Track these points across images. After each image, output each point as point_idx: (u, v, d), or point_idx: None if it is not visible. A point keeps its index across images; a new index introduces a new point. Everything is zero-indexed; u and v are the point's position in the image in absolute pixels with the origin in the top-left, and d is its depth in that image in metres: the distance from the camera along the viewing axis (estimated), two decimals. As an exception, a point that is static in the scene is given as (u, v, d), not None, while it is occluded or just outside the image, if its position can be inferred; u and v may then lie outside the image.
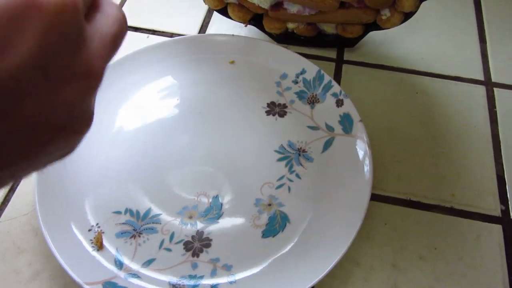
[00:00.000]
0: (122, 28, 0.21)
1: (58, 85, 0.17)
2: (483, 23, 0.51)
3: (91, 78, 0.19)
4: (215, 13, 0.48)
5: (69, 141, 0.20)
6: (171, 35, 0.50)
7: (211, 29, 0.50)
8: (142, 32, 0.50)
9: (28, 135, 0.17)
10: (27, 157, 0.18)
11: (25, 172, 0.19)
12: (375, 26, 0.43)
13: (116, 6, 0.21)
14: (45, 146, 0.18)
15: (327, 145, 0.39)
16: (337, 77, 0.46)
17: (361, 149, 0.37)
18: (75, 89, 0.18)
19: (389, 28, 0.42)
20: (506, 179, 0.39)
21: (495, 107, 0.44)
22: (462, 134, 0.42)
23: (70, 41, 0.17)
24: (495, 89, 0.46)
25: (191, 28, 0.50)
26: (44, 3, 0.16)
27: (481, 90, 0.45)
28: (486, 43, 0.49)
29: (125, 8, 0.52)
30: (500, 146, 0.41)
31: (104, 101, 0.41)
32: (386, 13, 0.40)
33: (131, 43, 0.48)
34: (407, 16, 0.40)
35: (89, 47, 0.18)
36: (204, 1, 0.46)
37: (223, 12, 0.47)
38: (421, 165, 0.40)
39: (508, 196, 0.39)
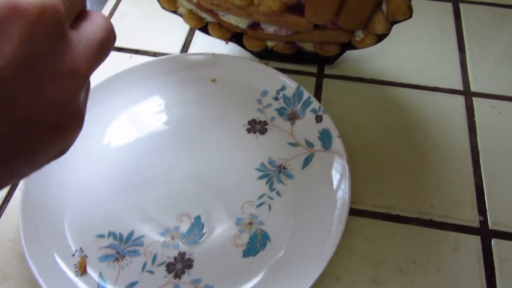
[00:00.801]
0: (109, 35, 0.22)
1: (44, 82, 0.19)
2: (462, 33, 0.52)
3: (76, 78, 0.20)
4: (197, 31, 0.48)
5: (63, 139, 0.21)
6: (154, 54, 0.50)
7: (193, 47, 0.51)
8: (125, 52, 0.51)
9: (23, 133, 0.19)
10: (24, 154, 0.20)
11: (24, 170, 0.20)
12: (351, 45, 0.43)
13: (103, 15, 0.23)
14: (40, 143, 0.20)
15: (307, 161, 0.40)
16: (318, 91, 0.47)
17: (340, 164, 0.38)
18: (62, 88, 0.20)
19: (364, 48, 0.43)
20: (484, 190, 0.40)
21: (474, 117, 0.45)
22: (441, 145, 0.43)
23: (53, 42, 0.19)
24: (474, 98, 0.46)
25: (174, 46, 0.51)
26: (25, 7, 0.18)
27: (460, 100, 0.46)
28: (465, 53, 0.50)
29: (108, 29, 0.53)
30: (479, 156, 0.42)
31: (91, 120, 0.41)
32: (359, 34, 0.41)
33: (115, 63, 0.49)
34: (380, 37, 0.41)
35: (74, 49, 0.20)
36: (184, 21, 0.46)
37: (204, 30, 0.47)
38: (400, 177, 0.41)
39: (487, 206, 0.39)
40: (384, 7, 0.37)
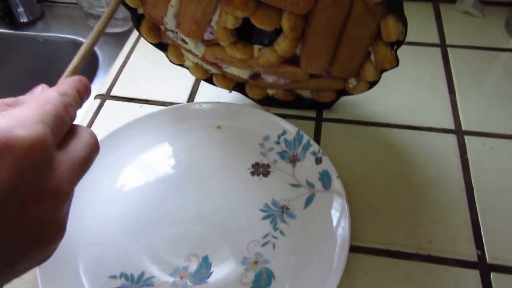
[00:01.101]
0: (92, 152, 0.25)
1: (28, 205, 0.21)
2: (451, 74, 0.55)
3: (59, 197, 0.22)
4: (202, 81, 0.52)
5: (44, 250, 0.23)
6: (162, 103, 0.54)
7: (199, 96, 0.54)
8: (136, 102, 0.54)
9: (7, 248, 0.20)
10: (7, 266, 0.21)
11: (7, 278, 0.22)
12: (345, 92, 0.46)
13: (90, 132, 0.26)
14: (23, 256, 0.22)
15: (309, 201, 0.42)
16: (318, 134, 0.49)
17: (339, 203, 0.40)
18: (44, 207, 0.21)
19: (358, 94, 0.46)
20: (480, 224, 0.42)
21: (466, 154, 0.47)
22: (436, 182, 0.45)
23: (40, 170, 0.21)
24: (465, 136, 0.49)
25: (181, 96, 0.54)
26: (15, 143, 0.20)
27: (453, 138, 0.49)
28: (455, 94, 0.53)
29: (119, 82, 0.57)
30: (473, 192, 0.44)
31: (104, 166, 0.45)
32: (352, 82, 0.44)
33: (126, 113, 0.53)
34: (372, 84, 0.44)
35: (59, 170, 0.22)
36: (191, 73, 0.50)
37: (209, 80, 0.51)
38: (398, 214, 0.43)
39: (484, 241, 0.41)
40: (372, 57, 0.40)
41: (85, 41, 0.31)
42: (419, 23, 0.63)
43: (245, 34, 0.42)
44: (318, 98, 0.48)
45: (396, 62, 0.39)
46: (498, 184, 0.44)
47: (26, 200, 0.21)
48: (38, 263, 0.23)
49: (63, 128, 0.24)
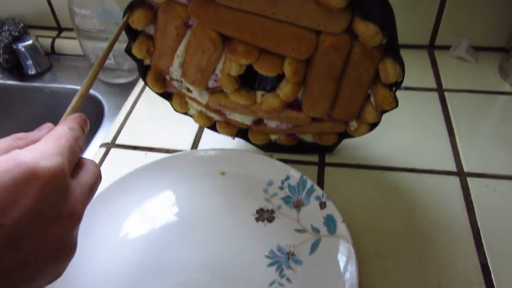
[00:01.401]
0: (97, 180, 0.30)
1: (49, 225, 0.25)
2: (450, 117, 0.57)
3: (74, 218, 0.26)
4: (206, 128, 0.53)
5: (58, 268, 0.27)
6: (167, 151, 0.54)
7: (203, 143, 0.55)
8: (140, 150, 0.55)
9: (27, 264, 0.24)
10: (24, 282, 0.24)
11: None
12: (347, 134, 0.47)
13: (94, 163, 0.31)
14: (40, 272, 0.25)
15: (314, 247, 0.42)
16: (320, 179, 0.50)
17: (346, 248, 0.40)
18: (62, 227, 0.26)
19: (359, 136, 0.47)
20: (490, 267, 0.41)
21: (470, 196, 0.47)
22: (442, 225, 0.45)
23: (59, 195, 0.25)
24: (468, 178, 0.49)
25: (185, 143, 0.55)
26: (40, 173, 0.24)
27: (455, 180, 0.49)
28: (454, 136, 0.54)
29: (124, 130, 0.58)
30: (480, 234, 0.44)
31: (109, 215, 0.45)
32: (353, 124, 0.45)
33: (131, 160, 0.53)
34: (373, 126, 0.45)
35: (73, 196, 0.27)
36: (195, 120, 0.51)
37: (213, 127, 0.52)
38: (406, 258, 0.42)
39: (494, 284, 0.40)
40: (372, 99, 0.41)
41: (83, 83, 0.35)
42: (416, 69, 0.65)
43: (248, 81, 0.44)
44: (320, 142, 0.49)
45: (395, 103, 0.40)
46: (505, 226, 0.44)
47: (48, 221, 0.25)
48: (52, 280, 0.27)
49: (75, 158, 0.28)
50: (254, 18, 0.36)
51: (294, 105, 0.44)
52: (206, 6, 0.36)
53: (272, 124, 0.47)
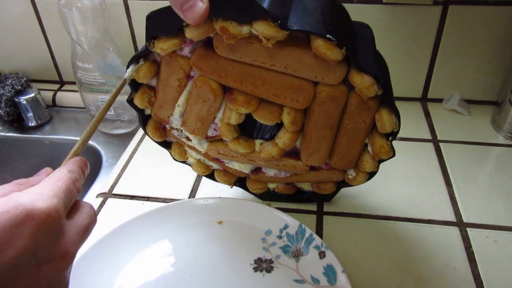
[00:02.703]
0: (92, 221, 0.30)
1: (43, 264, 0.25)
2: (446, 169, 0.57)
3: (67, 259, 0.27)
4: (203, 177, 0.53)
5: None
6: (164, 200, 0.54)
7: (201, 192, 0.55)
8: (137, 200, 0.54)
9: None
10: None
11: None
12: (345, 183, 0.47)
13: (90, 206, 0.31)
14: None
15: (314, 298, 0.40)
16: (319, 228, 0.49)
17: (347, 300, 0.39)
18: (55, 266, 0.26)
19: (357, 185, 0.47)
20: (495, 321, 0.40)
21: (471, 247, 0.46)
22: (444, 276, 0.44)
23: (53, 235, 0.26)
24: (468, 229, 0.48)
25: (182, 192, 0.55)
26: (36, 213, 0.25)
27: (455, 231, 0.48)
28: (452, 186, 0.54)
29: (122, 180, 0.58)
30: (483, 286, 0.43)
31: (104, 265, 0.44)
32: (351, 173, 0.46)
33: (128, 210, 0.53)
34: (371, 175, 0.45)
35: (67, 236, 0.27)
36: (193, 169, 0.51)
37: (211, 176, 0.52)
38: (409, 311, 0.41)
39: (501, 338, 0.38)
40: (369, 148, 0.42)
41: (86, 129, 0.36)
42: (410, 120, 0.66)
43: (247, 129, 0.44)
44: (319, 191, 0.49)
45: (392, 153, 0.41)
46: (508, 278, 0.43)
47: (41, 261, 0.25)
48: None
49: (72, 200, 0.29)
50: (255, 70, 0.37)
51: (292, 153, 0.45)
52: (208, 58, 0.38)
53: (270, 172, 0.48)
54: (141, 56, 0.40)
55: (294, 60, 0.36)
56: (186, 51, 0.39)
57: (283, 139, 0.42)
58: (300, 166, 0.45)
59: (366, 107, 0.38)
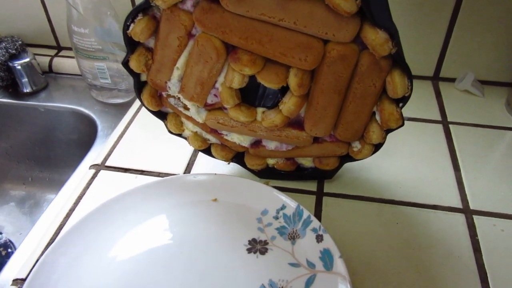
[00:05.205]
0: None
1: None
2: (455, 152, 0.54)
3: None
4: (200, 152, 0.51)
5: None
6: (158, 174, 0.52)
7: (196, 167, 0.53)
8: (131, 173, 0.52)
9: None
10: None
11: None
12: (349, 157, 0.45)
13: None
14: None
15: (309, 283, 0.38)
16: (318, 209, 0.47)
17: (343, 286, 0.37)
18: None
19: (361, 159, 0.44)
20: (498, 314, 0.38)
21: (477, 235, 0.44)
22: (446, 265, 0.42)
23: None
24: (474, 216, 0.46)
25: (178, 167, 0.53)
26: None
27: (461, 218, 0.46)
28: (460, 171, 0.52)
29: (115, 152, 0.56)
30: (487, 276, 0.41)
31: (94, 241, 0.42)
32: (356, 145, 0.43)
33: (121, 183, 0.51)
34: (377, 147, 0.43)
35: None
36: (189, 143, 0.49)
37: (207, 151, 0.50)
38: (408, 301, 0.39)
39: (503, 333, 0.37)
40: (377, 117, 0.39)
41: None
42: (420, 100, 0.63)
43: (248, 100, 0.42)
44: (320, 166, 0.47)
45: (402, 121, 0.39)
46: (514, 269, 0.41)
47: None
48: None
49: None
50: (261, 26, 0.35)
51: (295, 123, 0.43)
52: (212, 12, 0.35)
53: (271, 145, 0.45)
54: (140, 10, 0.37)
55: (305, 14, 0.33)
56: (188, 4, 0.36)
57: (288, 104, 0.39)
58: (303, 137, 0.42)
59: (377, 68, 0.36)
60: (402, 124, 0.39)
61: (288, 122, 0.42)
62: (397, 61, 0.35)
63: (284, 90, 0.40)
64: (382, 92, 0.38)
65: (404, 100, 0.38)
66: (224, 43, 0.37)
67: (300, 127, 0.43)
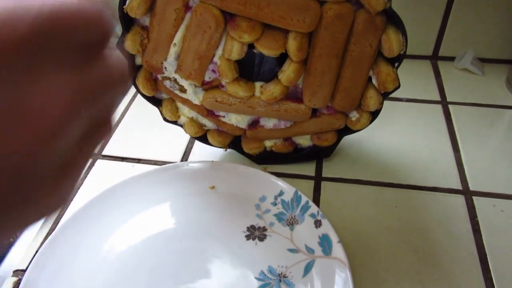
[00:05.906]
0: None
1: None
2: (454, 133, 0.54)
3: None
4: (196, 140, 0.50)
5: (56, 188, 0.16)
6: (155, 162, 0.52)
7: (193, 155, 0.52)
8: (128, 162, 0.52)
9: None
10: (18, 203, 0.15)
11: (17, 224, 0.16)
12: (347, 130, 0.45)
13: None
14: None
15: (308, 268, 0.39)
16: (317, 194, 0.47)
17: (342, 271, 0.37)
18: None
19: (360, 130, 0.44)
20: (497, 295, 0.38)
21: (476, 217, 0.44)
22: (446, 247, 0.42)
23: None
24: (474, 197, 0.46)
25: (174, 155, 0.52)
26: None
27: (461, 199, 0.46)
28: (459, 152, 0.51)
29: (111, 141, 0.55)
30: (486, 258, 0.41)
31: (91, 230, 0.42)
32: (354, 115, 0.44)
33: (117, 172, 0.50)
34: (374, 115, 0.43)
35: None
36: (185, 130, 0.48)
37: (204, 139, 0.49)
38: (406, 284, 0.39)
39: (502, 314, 0.37)
40: (374, 81, 0.40)
41: None
42: (418, 80, 0.62)
43: (246, 75, 0.42)
44: (319, 142, 0.47)
45: (398, 82, 0.40)
46: (514, 250, 0.41)
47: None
48: (50, 208, 0.17)
49: None
50: None
51: (293, 96, 0.43)
52: None
53: (269, 123, 0.45)
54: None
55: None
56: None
57: (288, 72, 0.39)
58: (302, 110, 0.43)
59: (373, 27, 0.37)
60: (399, 85, 0.40)
61: (286, 95, 0.42)
62: (391, 16, 0.36)
63: (281, 62, 0.40)
64: (378, 55, 0.39)
65: (399, 59, 0.39)
66: (222, 12, 0.37)
67: (299, 100, 0.43)
